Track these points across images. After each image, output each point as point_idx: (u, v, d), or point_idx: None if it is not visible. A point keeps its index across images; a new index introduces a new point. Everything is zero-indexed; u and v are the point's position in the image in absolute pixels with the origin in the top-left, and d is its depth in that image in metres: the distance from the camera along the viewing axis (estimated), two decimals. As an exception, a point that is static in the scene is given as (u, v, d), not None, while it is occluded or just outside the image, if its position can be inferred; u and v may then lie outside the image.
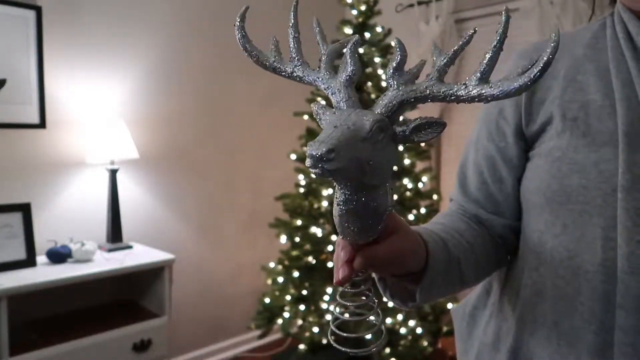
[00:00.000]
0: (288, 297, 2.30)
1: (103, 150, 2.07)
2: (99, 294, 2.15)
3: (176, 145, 2.52)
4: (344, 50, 0.46)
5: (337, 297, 0.47)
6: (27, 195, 2.01)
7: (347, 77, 0.44)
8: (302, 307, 2.27)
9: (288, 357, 2.55)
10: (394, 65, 0.42)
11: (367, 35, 2.32)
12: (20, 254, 1.87)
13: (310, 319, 2.25)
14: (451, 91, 0.40)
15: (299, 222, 2.32)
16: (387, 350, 2.15)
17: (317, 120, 0.45)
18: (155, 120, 2.43)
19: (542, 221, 0.61)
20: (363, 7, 2.31)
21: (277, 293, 2.34)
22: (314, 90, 2.41)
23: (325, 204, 2.30)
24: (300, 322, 2.31)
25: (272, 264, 2.42)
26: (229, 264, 2.77)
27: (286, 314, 2.28)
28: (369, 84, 2.30)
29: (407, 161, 2.28)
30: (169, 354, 2.09)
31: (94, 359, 1.82)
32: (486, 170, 0.68)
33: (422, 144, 2.37)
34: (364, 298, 0.47)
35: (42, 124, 2.04)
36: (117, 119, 2.18)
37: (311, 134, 2.38)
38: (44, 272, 1.80)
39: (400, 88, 0.42)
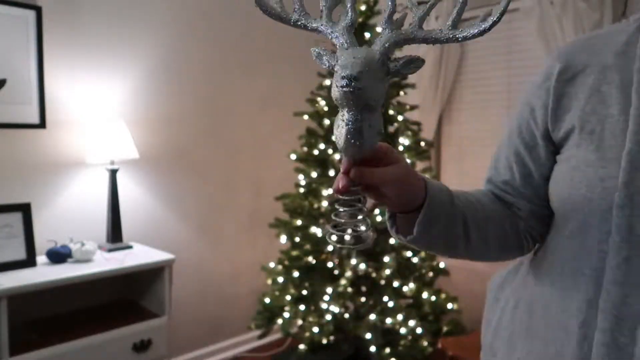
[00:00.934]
0: (288, 297, 2.30)
1: (103, 150, 2.07)
2: (99, 294, 2.15)
3: (176, 145, 2.52)
4: (343, 1, 0.55)
5: (336, 205, 0.54)
6: (27, 195, 2.01)
7: (349, 23, 0.53)
8: (302, 307, 2.27)
9: (288, 357, 2.55)
10: (386, 15, 0.52)
11: (367, 35, 2.32)
12: (20, 254, 1.87)
13: (310, 319, 2.25)
14: (430, 35, 0.51)
15: (299, 222, 2.32)
16: (387, 350, 2.16)
17: (320, 60, 0.53)
18: (155, 120, 2.43)
19: (557, 221, 0.66)
20: (363, 7, 2.31)
21: (277, 293, 2.34)
22: (314, 91, 2.42)
23: (325, 204, 2.30)
24: (300, 322, 2.31)
25: (272, 264, 2.42)
26: (229, 264, 2.77)
27: (286, 314, 2.28)
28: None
29: (407, 161, 2.28)
30: (169, 354, 2.09)
31: (94, 359, 1.82)
32: (515, 165, 0.71)
33: (422, 144, 2.37)
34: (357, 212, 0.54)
35: (42, 124, 2.04)
36: (117, 119, 2.18)
37: (311, 134, 2.38)
38: (44, 272, 1.80)
39: (392, 32, 0.52)
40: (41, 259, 1.95)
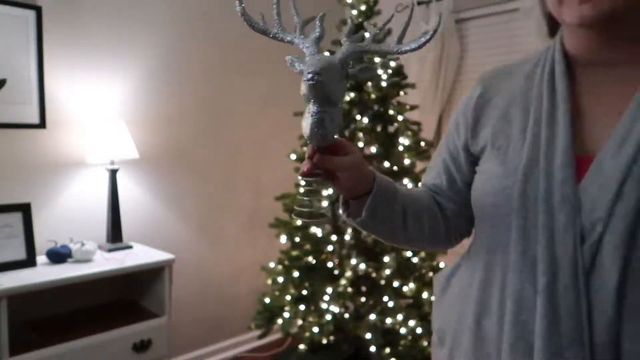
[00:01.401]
0: (288, 297, 2.30)
1: (103, 150, 2.07)
2: (99, 294, 2.15)
3: (176, 145, 2.52)
4: (313, 20, 0.67)
5: (301, 187, 0.67)
6: (27, 195, 2.01)
7: (318, 37, 0.65)
8: (302, 307, 2.27)
9: (288, 357, 2.55)
10: (347, 32, 0.65)
11: (367, 35, 2.32)
12: (20, 254, 1.87)
13: (310, 319, 2.25)
14: (381, 48, 0.63)
15: (299, 222, 2.32)
16: (387, 350, 2.15)
17: (292, 66, 0.64)
18: (155, 120, 2.43)
19: (476, 222, 0.79)
20: (363, 7, 2.31)
21: (277, 293, 2.34)
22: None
23: (325, 204, 2.30)
24: (300, 322, 2.31)
25: (272, 264, 2.42)
26: (229, 264, 2.77)
27: (286, 314, 2.28)
28: (369, 83, 2.30)
29: (407, 161, 2.28)
30: (169, 354, 2.09)
31: (94, 359, 1.82)
32: (443, 172, 0.84)
33: (422, 144, 2.37)
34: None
35: (42, 124, 2.04)
36: (117, 119, 2.18)
37: (311, 134, 2.38)
38: (44, 272, 1.80)
39: (351, 45, 0.64)
40: (41, 259, 1.95)
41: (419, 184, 0.90)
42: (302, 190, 0.67)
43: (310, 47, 0.64)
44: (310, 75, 0.59)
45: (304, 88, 0.60)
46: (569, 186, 0.63)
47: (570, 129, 0.65)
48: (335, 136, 0.65)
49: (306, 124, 0.63)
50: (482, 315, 0.72)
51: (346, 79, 0.63)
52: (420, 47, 0.62)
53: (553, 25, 0.76)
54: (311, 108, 0.62)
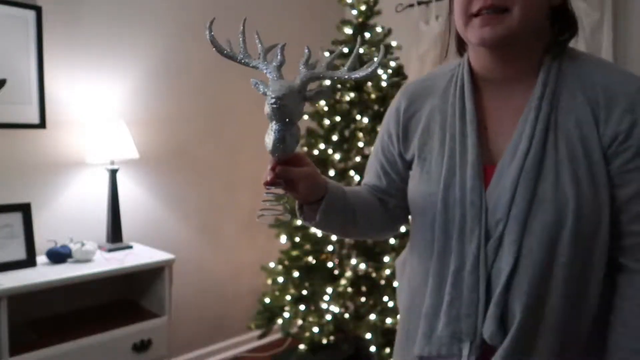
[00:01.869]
0: (288, 297, 2.30)
1: (103, 150, 2.07)
2: (99, 294, 2.15)
3: (176, 145, 2.52)
4: (275, 48, 0.75)
5: (264, 194, 0.75)
6: (27, 195, 2.01)
7: (279, 64, 0.73)
8: (302, 307, 2.27)
9: (288, 357, 2.55)
10: (303, 61, 0.72)
11: (367, 35, 2.32)
12: (20, 254, 1.87)
13: (310, 319, 2.25)
14: (334, 75, 0.72)
15: (298, 222, 2.32)
16: (387, 350, 2.15)
17: (257, 88, 0.73)
18: (155, 120, 2.43)
19: (412, 219, 0.92)
20: (363, 7, 2.31)
21: (277, 293, 2.34)
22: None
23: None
24: (300, 322, 2.31)
25: (272, 264, 2.42)
26: (229, 264, 2.77)
27: (286, 314, 2.28)
28: (369, 83, 2.30)
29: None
30: (169, 354, 2.09)
31: (94, 359, 1.82)
32: (382, 174, 0.94)
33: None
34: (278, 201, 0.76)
35: (42, 124, 2.04)
36: (117, 119, 2.18)
37: (311, 133, 2.38)
38: (44, 272, 1.80)
39: (308, 71, 0.72)
40: (41, 259, 1.95)
41: (361, 183, 1.01)
42: (264, 195, 0.76)
43: (272, 73, 0.72)
44: (273, 100, 0.67)
45: (267, 110, 0.68)
46: (477, 193, 0.77)
47: (478, 145, 0.79)
48: (294, 149, 0.74)
49: (269, 140, 0.71)
50: (418, 293, 0.87)
51: (304, 101, 0.71)
52: (370, 74, 0.70)
53: (461, 46, 0.88)
54: (274, 127, 0.70)
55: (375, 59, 0.69)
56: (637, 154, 0.71)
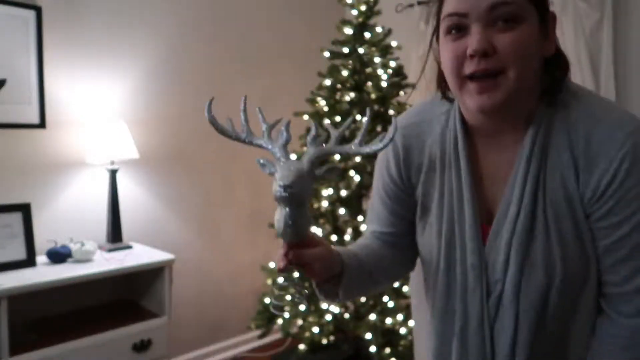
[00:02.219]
0: (288, 297, 2.30)
1: (103, 150, 2.07)
2: (99, 294, 2.15)
3: (176, 145, 2.52)
4: (279, 124, 0.75)
5: (276, 286, 0.75)
6: (27, 195, 2.01)
7: (284, 142, 0.71)
8: (302, 307, 2.27)
9: (288, 357, 2.55)
10: (310, 138, 0.70)
11: (367, 35, 2.32)
12: (20, 254, 1.87)
13: (310, 319, 2.24)
14: (343, 150, 0.70)
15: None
16: (387, 350, 2.15)
17: (263, 169, 0.71)
18: (155, 120, 2.43)
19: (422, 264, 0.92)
20: (363, 7, 2.30)
21: (277, 293, 2.34)
22: (314, 91, 2.42)
23: (325, 204, 2.30)
24: (300, 322, 2.30)
25: (272, 264, 2.41)
26: (229, 264, 2.77)
27: (286, 314, 2.28)
28: (369, 83, 2.30)
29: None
30: (169, 354, 2.09)
31: (94, 359, 1.82)
32: (398, 221, 0.91)
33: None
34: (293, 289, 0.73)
35: (42, 124, 2.04)
36: (117, 119, 2.18)
37: (311, 134, 2.38)
38: (44, 272, 1.80)
39: (316, 148, 0.70)
40: (41, 259, 1.95)
41: (367, 232, 0.98)
42: (279, 284, 0.74)
43: (278, 152, 0.71)
44: (282, 189, 0.65)
45: (276, 195, 0.66)
46: (477, 255, 0.78)
47: (473, 204, 0.79)
48: (307, 231, 0.71)
49: (279, 224, 0.69)
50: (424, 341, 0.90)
51: (314, 181, 0.69)
52: (380, 149, 0.68)
53: (445, 88, 0.84)
54: (284, 211, 0.68)
55: (388, 133, 0.67)
56: (609, 211, 0.72)
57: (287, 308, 2.27)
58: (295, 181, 0.65)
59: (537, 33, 0.72)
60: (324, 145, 0.71)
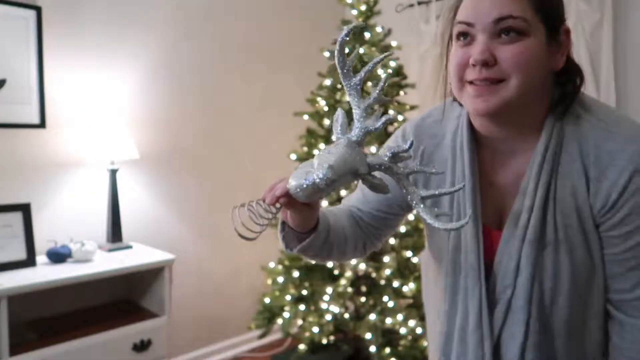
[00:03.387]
0: (288, 297, 2.30)
1: (103, 150, 2.07)
2: (99, 294, 2.15)
3: (176, 145, 2.52)
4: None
5: (253, 203, 0.75)
6: (27, 195, 2.01)
7: (355, 138, 0.71)
8: (302, 307, 2.27)
9: (288, 357, 2.55)
10: (390, 155, 0.70)
11: (367, 35, 2.32)
12: (20, 254, 1.87)
13: (310, 319, 2.24)
14: (397, 169, 0.70)
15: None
16: (387, 350, 2.15)
17: (335, 122, 0.74)
18: (155, 120, 2.43)
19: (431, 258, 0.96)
20: (363, 7, 2.30)
21: (277, 293, 2.34)
22: (314, 91, 2.42)
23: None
24: (300, 322, 2.30)
25: (272, 264, 2.42)
26: (229, 264, 2.77)
27: (286, 314, 2.28)
28: (369, 84, 2.30)
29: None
30: (169, 354, 2.09)
31: (94, 359, 1.82)
32: (379, 213, 0.94)
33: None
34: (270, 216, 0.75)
35: (42, 124, 2.04)
36: (117, 119, 2.18)
37: (311, 134, 2.38)
38: (44, 272, 1.80)
39: (379, 158, 0.70)
40: (41, 259, 1.95)
41: (345, 205, 0.99)
42: (250, 206, 0.77)
43: (342, 138, 0.71)
44: (323, 179, 0.66)
45: (315, 171, 0.66)
46: (475, 254, 0.81)
47: (474, 204, 0.81)
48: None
49: (296, 181, 0.68)
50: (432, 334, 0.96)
51: (356, 176, 0.69)
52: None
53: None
54: (311, 177, 0.67)
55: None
56: (620, 222, 0.73)
57: (287, 308, 2.28)
58: (340, 177, 0.66)
59: (544, 47, 0.73)
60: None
